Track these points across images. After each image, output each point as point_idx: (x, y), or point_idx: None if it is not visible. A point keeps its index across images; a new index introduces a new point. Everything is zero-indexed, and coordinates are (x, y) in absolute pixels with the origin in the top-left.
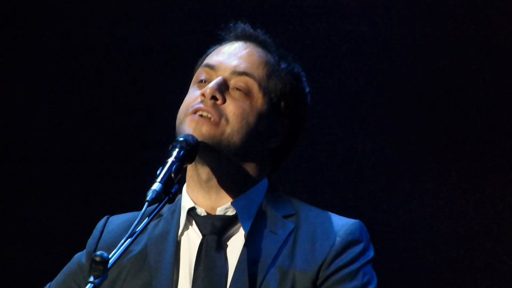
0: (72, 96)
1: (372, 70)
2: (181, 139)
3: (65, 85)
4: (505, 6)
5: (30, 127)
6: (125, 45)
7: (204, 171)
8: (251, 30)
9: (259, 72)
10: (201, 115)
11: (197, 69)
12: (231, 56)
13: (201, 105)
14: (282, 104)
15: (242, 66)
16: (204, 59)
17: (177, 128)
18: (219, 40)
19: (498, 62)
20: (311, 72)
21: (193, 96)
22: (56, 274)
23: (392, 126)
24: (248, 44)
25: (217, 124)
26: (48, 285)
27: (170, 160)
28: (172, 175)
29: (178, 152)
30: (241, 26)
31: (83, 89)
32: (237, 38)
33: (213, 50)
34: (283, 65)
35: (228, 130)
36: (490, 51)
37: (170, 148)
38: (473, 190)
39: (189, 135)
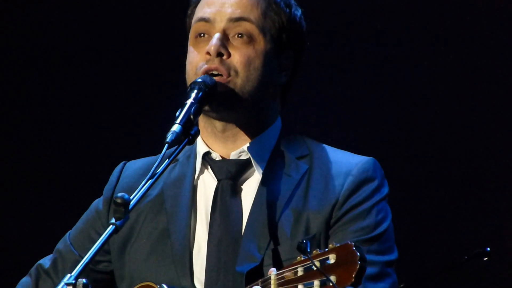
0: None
1: None
2: (199, 80)
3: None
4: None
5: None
6: None
7: (220, 124)
8: None
9: (254, 13)
10: (211, 74)
11: (190, 22)
12: (223, 3)
13: (209, 65)
14: (283, 36)
15: (237, 12)
16: (194, 11)
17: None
18: None
19: None
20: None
21: (197, 55)
22: (75, 223)
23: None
24: None
25: (227, 79)
26: (68, 233)
27: (189, 102)
28: (191, 116)
29: (197, 94)
30: None
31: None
32: None
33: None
34: None
35: (239, 81)
36: None
37: (188, 89)
38: None
39: (207, 76)
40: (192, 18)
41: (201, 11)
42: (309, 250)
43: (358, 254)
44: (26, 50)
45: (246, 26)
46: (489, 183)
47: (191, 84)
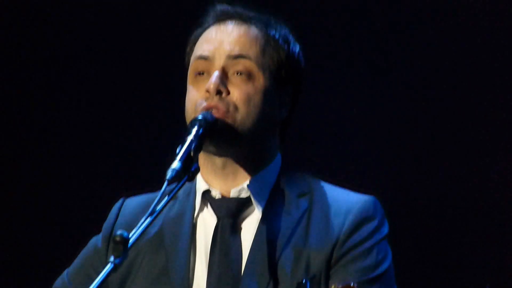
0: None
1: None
2: (199, 117)
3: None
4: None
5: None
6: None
7: (220, 160)
8: (230, 9)
9: (253, 50)
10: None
11: (189, 60)
12: (222, 41)
13: (208, 103)
14: (282, 72)
15: (236, 49)
16: (192, 48)
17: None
18: (200, 24)
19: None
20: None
21: (197, 93)
22: (73, 259)
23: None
24: (233, 24)
25: (226, 114)
26: (66, 271)
27: (189, 139)
28: (192, 153)
29: (197, 130)
30: (220, 7)
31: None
32: (219, 19)
33: (199, 36)
34: (271, 33)
35: (239, 117)
36: None
37: (188, 126)
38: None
39: (207, 112)
40: (191, 56)
41: (200, 49)
42: None
43: None
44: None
45: (245, 64)
46: (488, 218)
47: (191, 121)
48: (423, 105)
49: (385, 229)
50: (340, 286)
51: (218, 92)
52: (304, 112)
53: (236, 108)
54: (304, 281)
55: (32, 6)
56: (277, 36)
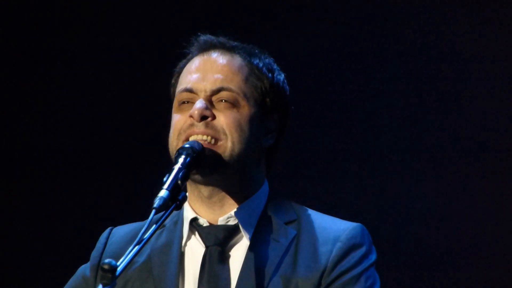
0: (74, 98)
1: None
2: (187, 145)
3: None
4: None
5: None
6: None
7: (206, 189)
8: (214, 39)
9: (236, 80)
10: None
11: (174, 91)
12: (205, 73)
13: (193, 129)
14: (267, 100)
15: (219, 81)
16: (177, 80)
17: (172, 154)
18: (184, 55)
19: None
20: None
21: (181, 119)
22: (61, 286)
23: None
24: (216, 54)
25: (216, 143)
26: None
27: (176, 167)
28: (179, 182)
29: (185, 159)
30: (204, 37)
31: (87, 93)
32: (203, 50)
33: (183, 67)
34: (255, 62)
35: (229, 144)
36: None
37: (176, 155)
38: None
39: (194, 141)
40: (176, 87)
41: (184, 81)
42: None
43: None
44: None
45: (228, 94)
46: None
47: (178, 149)
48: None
49: (373, 256)
50: None
51: (203, 118)
52: (290, 139)
53: (225, 134)
54: None
55: (27, 6)
56: (260, 65)
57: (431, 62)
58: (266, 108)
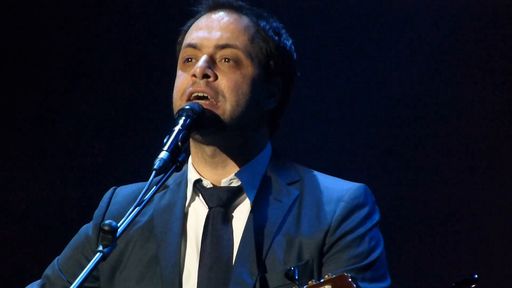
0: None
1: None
2: (187, 107)
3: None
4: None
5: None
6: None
7: (209, 149)
8: None
9: (242, 39)
10: (197, 97)
11: (179, 48)
12: (211, 30)
13: (195, 87)
14: (271, 63)
15: (224, 38)
16: (183, 37)
17: (175, 112)
18: (192, 14)
19: None
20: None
21: (184, 78)
22: (63, 247)
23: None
24: (223, 13)
25: (215, 104)
26: (56, 259)
27: (176, 129)
28: (179, 143)
29: (185, 120)
30: None
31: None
32: (211, 9)
33: (190, 25)
34: (262, 24)
35: (228, 106)
36: None
37: (176, 116)
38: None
39: (194, 103)
40: (181, 45)
41: (189, 37)
42: (297, 277)
43: (355, 286)
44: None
45: (232, 52)
46: (480, 211)
47: (178, 111)
48: (414, 103)
49: (377, 216)
50: (334, 276)
51: (205, 76)
52: (296, 103)
53: (224, 97)
54: (291, 268)
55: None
56: (267, 27)
57: (431, 62)
58: (270, 71)
